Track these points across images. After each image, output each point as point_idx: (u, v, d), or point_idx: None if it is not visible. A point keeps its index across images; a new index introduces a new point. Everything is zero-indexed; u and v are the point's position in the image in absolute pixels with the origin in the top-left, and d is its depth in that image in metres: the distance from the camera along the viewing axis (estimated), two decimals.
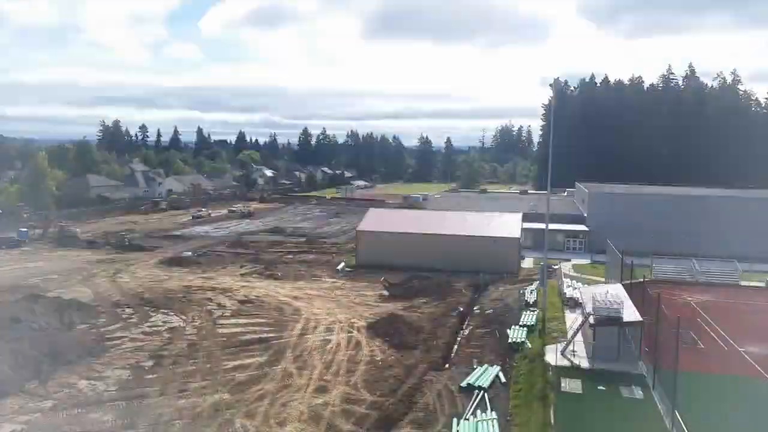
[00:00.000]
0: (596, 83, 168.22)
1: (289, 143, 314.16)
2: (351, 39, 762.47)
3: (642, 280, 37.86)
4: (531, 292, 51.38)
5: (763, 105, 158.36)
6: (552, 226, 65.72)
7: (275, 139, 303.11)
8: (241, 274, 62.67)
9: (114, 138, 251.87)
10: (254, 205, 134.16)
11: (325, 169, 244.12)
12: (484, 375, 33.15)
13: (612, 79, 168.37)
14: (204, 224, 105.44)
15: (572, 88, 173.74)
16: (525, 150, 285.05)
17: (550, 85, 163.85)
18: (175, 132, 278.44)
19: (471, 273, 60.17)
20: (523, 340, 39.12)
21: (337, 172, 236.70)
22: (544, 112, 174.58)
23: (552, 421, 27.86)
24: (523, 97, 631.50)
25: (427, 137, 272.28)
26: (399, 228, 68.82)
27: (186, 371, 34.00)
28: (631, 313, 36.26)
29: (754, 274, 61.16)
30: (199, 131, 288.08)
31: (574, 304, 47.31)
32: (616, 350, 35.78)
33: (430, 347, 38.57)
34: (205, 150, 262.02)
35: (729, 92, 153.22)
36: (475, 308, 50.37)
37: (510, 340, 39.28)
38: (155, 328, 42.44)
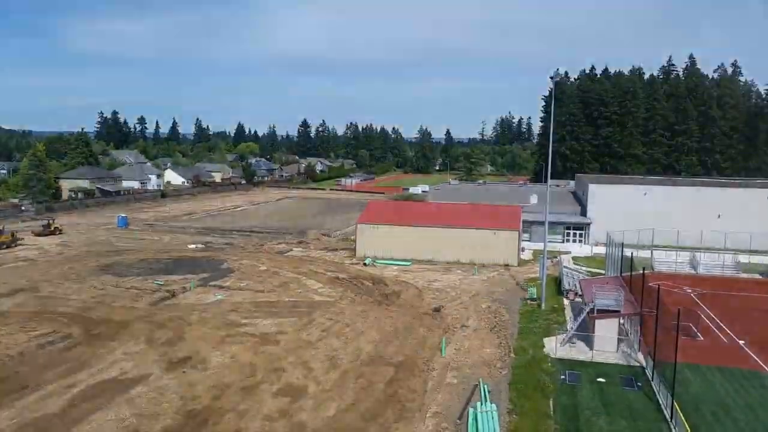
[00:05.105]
0: (596, 74, 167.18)
1: (287, 135, 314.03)
2: None
3: (642, 272, 37.78)
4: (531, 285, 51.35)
5: (764, 96, 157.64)
6: (552, 218, 65.74)
7: (274, 131, 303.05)
8: None
9: (112, 129, 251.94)
10: None
11: (324, 160, 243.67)
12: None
13: (612, 70, 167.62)
14: None
15: (572, 79, 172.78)
16: (525, 141, 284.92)
17: (551, 77, 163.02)
18: (174, 123, 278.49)
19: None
20: None
21: (335, 164, 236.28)
22: (543, 104, 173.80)
23: (551, 412, 27.92)
24: None
25: (426, 129, 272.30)
26: (399, 220, 68.64)
27: None
28: (630, 305, 36.29)
29: (753, 266, 61.11)
30: (198, 122, 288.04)
31: (574, 296, 47.40)
32: (615, 342, 35.85)
33: None
34: (203, 141, 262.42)
35: (729, 83, 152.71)
36: None
37: None
38: None
